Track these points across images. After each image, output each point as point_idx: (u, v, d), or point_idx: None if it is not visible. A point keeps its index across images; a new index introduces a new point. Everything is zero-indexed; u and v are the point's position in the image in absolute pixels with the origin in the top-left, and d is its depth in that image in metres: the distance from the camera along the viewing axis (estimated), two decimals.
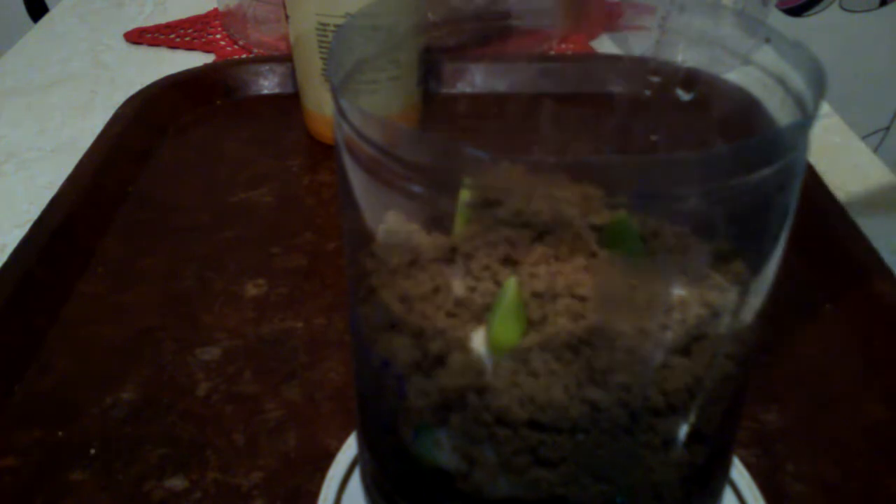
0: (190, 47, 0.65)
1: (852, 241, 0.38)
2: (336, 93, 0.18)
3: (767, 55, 0.19)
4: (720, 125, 0.23)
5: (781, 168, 0.17)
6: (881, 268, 0.36)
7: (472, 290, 0.19)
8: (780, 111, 0.19)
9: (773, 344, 0.34)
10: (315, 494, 0.28)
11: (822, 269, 0.38)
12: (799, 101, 0.18)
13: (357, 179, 0.19)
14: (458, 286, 0.19)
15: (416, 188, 0.17)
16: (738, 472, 0.28)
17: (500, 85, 0.53)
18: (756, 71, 0.19)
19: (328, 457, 0.29)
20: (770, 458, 0.29)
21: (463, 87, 0.53)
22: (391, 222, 0.20)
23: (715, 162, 0.16)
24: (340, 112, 0.18)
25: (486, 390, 0.18)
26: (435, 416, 0.19)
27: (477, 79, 0.53)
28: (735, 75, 0.20)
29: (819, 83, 0.17)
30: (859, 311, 0.35)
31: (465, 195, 0.19)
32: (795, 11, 0.87)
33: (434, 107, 0.49)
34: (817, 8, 0.86)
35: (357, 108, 0.17)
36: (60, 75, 0.61)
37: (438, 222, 0.20)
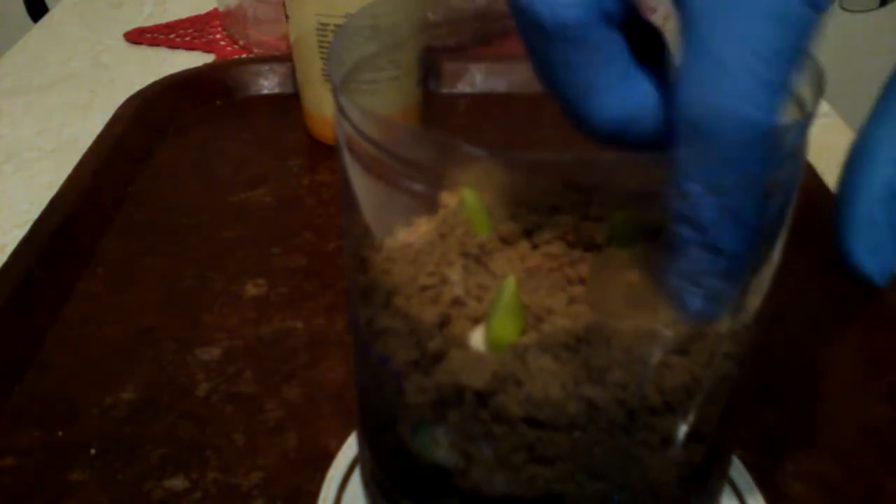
0: (190, 47, 0.65)
1: None
2: (337, 91, 0.18)
3: None
4: None
5: (780, 167, 0.17)
6: None
7: (472, 288, 0.19)
8: (780, 111, 0.19)
9: (773, 344, 0.34)
10: (315, 494, 0.28)
11: (822, 269, 0.38)
12: (798, 101, 0.18)
13: (357, 178, 0.19)
14: (458, 284, 0.19)
15: (417, 186, 0.17)
16: (738, 472, 0.28)
17: (500, 85, 0.53)
18: None
19: (328, 457, 0.29)
20: (770, 458, 0.29)
21: (463, 87, 0.53)
22: (400, 237, 0.20)
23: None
24: (341, 110, 0.18)
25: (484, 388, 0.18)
26: (432, 412, 0.19)
27: (477, 79, 0.53)
28: None
29: (818, 83, 0.17)
30: (859, 311, 0.35)
31: (466, 194, 0.19)
32: None
33: (434, 107, 0.49)
34: None
35: (357, 106, 0.17)
36: (60, 75, 0.61)
37: (438, 220, 0.20)
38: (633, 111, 0.16)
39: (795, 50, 0.14)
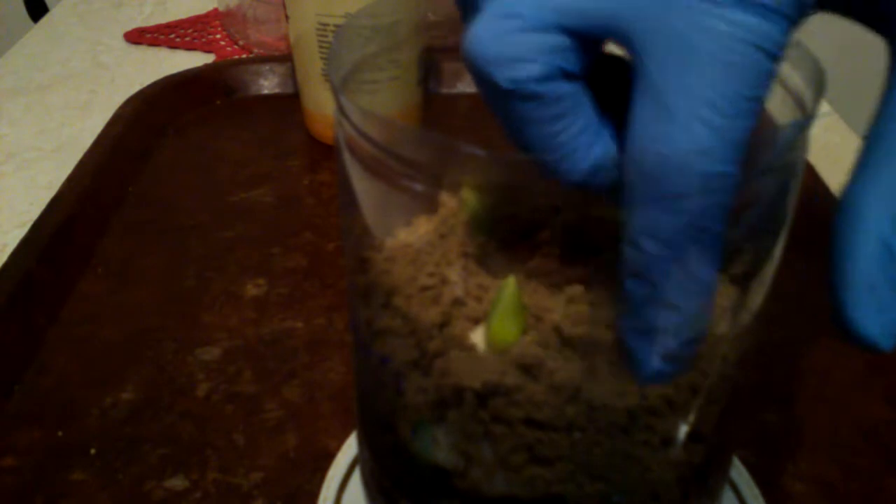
0: (190, 47, 0.65)
1: None
2: (337, 91, 0.18)
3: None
4: None
5: (780, 168, 0.17)
6: None
7: (472, 288, 0.19)
8: (781, 111, 0.19)
9: (774, 344, 0.34)
10: (315, 494, 0.28)
11: (823, 269, 0.38)
12: (798, 101, 0.18)
13: (357, 178, 0.19)
14: (458, 284, 0.19)
15: (417, 186, 0.17)
16: (738, 472, 0.28)
17: None
18: None
19: (328, 457, 0.29)
20: (770, 458, 0.29)
21: (463, 88, 0.53)
22: (400, 237, 0.20)
23: None
24: (341, 110, 0.18)
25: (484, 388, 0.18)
26: (432, 413, 0.19)
27: None
28: None
29: (818, 83, 0.17)
30: None
31: (466, 194, 0.19)
32: None
33: (434, 107, 0.49)
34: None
35: (357, 106, 0.17)
36: (60, 75, 0.61)
37: (438, 220, 0.20)
38: (598, 161, 0.16)
39: (752, 98, 0.14)
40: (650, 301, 0.15)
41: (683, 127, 0.13)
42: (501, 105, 0.15)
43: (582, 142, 0.15)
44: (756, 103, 0.14)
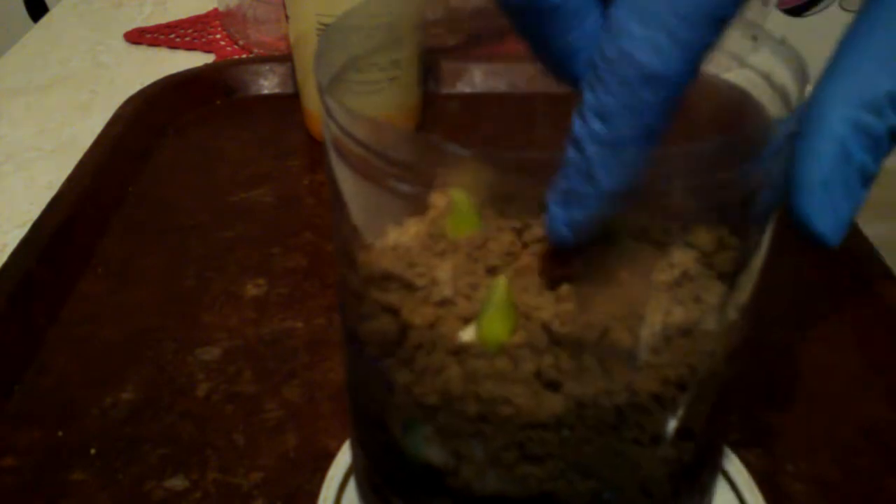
0: (190, 47, 0.65)
1: (852, 240, 0.38)
2: (322, 92, 0.18)
3: (763, 57, 0.19)
4: (715, 124, 0.22)
5: (765, 162, 0.17)
6: (881, 267, 0.36)
7: (462, 287, 0.19)
8: (770, 107, 0.19)
9: (773, 344, 0.34)
10: (315, 494, 0.28)
11: (823, 269, 0.38)
12: (784, 97, 0.18)
13: (345, 178, 0.19)
14: (448, 284, 0.19)
15: (404, 186, 0.17)
16: (738, 472, 0.28)
17: (500, 85, 0.53)
18: (750, 72, 0.19)
19: (328, 457, 0.29)
20: (770, 458, 0.29)
21: (462, 87, 0.53)
22: (390, 237, 0.20)
23: (698, 156, 0.16)
24: (328, 111, 0.18)
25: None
26: (422, 411, 0.19)
27: (477, 79, 0.53)
28: (731, 76, 0.20)
29: (802, 78, 0.17)
30: (860, 311, 0.35)
31: (456, 194, 0.19)
32: (795, 11, 0.87)
33: (434, 107, 0.49)
34: (817, 8, 0.86)
35: (343, 107, 0.17)
36: (60, 75, 0.61)
37: (427, 221, 0.20)
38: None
39: (715, 17, 0.15)
40: (577, 170, 0.16)
41: (645, 27, 0.15)
42: (524, 20, 0.17)
43: (580, 45, 0.17)
44: (718, 22, 0.15)
